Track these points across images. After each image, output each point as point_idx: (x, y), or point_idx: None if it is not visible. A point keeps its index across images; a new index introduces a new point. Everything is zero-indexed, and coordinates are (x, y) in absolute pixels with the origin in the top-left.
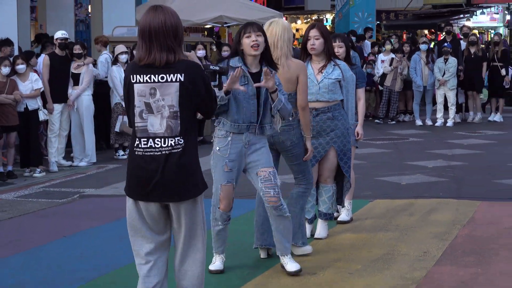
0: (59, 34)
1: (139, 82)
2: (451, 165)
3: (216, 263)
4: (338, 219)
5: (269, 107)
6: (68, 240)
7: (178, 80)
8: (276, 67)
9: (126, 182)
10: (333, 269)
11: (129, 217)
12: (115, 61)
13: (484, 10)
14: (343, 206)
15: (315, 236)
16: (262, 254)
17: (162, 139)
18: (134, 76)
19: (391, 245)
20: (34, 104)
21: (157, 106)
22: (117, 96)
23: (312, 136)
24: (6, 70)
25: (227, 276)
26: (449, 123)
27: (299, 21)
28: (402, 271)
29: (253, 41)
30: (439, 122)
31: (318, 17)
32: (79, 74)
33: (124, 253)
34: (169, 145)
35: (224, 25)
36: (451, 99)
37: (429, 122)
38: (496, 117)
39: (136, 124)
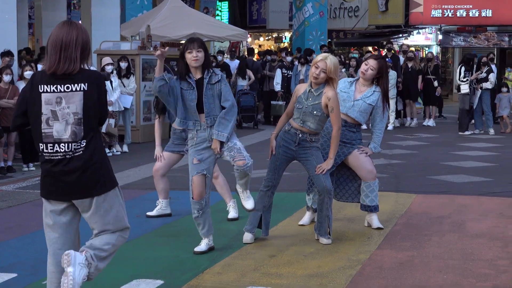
0: None
1: (46, 91)
2: (391, 163)
3: (201, 245)
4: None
5: (214, 104)
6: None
7: (82, 89)
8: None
9: (40, 185)
10: (290, 251)
11: (46, 217)
12: (101, 70)
13: (420, 31)
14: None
15: (375, 226)
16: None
17: (67, 144)
18: (42, 86)
19: (340, 231)
20: None
21: (62, 114)
22: None
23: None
24: (7, 77)
25: (198, 257)
26: (390, 127)
27: (261, 38)
28: (349, 253)
29: (194, 56)
30: None
31: (278, 34)
32: None
33: None
34: (72, 149)
35: None
36: (391, 107)
37: None
38: (430, 122)
39: (42, 130)
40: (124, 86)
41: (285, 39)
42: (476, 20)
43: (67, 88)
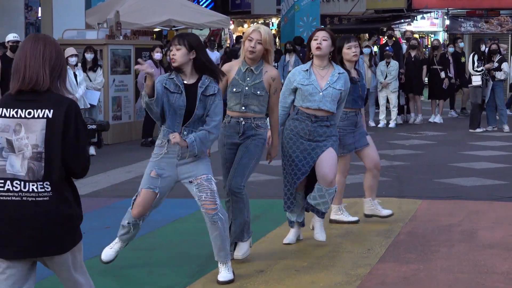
0: (10, 37)
1: (4, 116)
2: (393, 165)
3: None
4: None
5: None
6: None
7: (45, 116)
8: (218, 78)
9: None
10: (280, 266)
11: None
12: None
13: (424, 15)
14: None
15: (320, 239)
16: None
17: (22, 183)
18: (1, 109)
19: (336, 242)
20: None
21: (19, 145)
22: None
23: (308, 140)
24: None
25: (176, 273)
26: (392, 124)
27: (245, 25)
28: (346, 267)
29: (172, 54)
30: (381, 124)
31: (264, 21)
32: None
33: (86, 248)
34: (31, 190)
35: (173, 29)
36: (393, 101)
37: (372, 124)
38: (436, 119)
39: None
40: (90, 80)
41: (273, 25)
42: (488, 3)
43: (29, 114)
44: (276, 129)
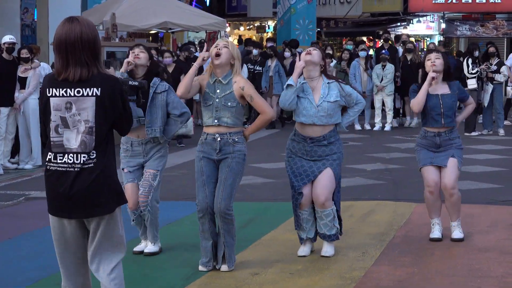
0: (6, 39)
1: (55, 95)
2: (389, 168)
3: (140, 245)
4: None
5: (156, 114)
6: (14, 241)
7: (94, 94)
8: (163, 77)
9: (46, 199)
10: (275, 269)
11: (53, 234)
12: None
13: (420, 19)
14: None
15: (323, 254)
16: None
17: (75, 155)
18: (51, 89)
19: None
20: None
21: (73, 121)
22: None
23: (307, 159)
24: None
25: (170, 276)
26: (387, 127)
27: (242, 28)
28: (341, 270)
29: (135, 54)
30: (377, 127)
31: (261, 23)
32: (26, 78)
33: None
34: (81, 161)
35: (169, 31)
36: (389, 105)
37: (367, 127)
38: None
39: (51, 139)
40: None
41: (269, 28)
42: (484, 7)
43: (78, 92)
44: (258, 126)
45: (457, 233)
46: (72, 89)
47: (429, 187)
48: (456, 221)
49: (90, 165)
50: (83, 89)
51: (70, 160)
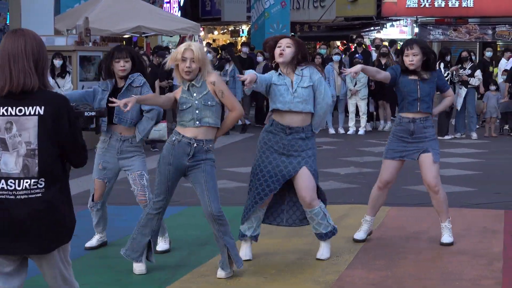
0: None
1: None
2: (362, 171)
3: (92, 241)
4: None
5: (126, 119)
6: None
7: (37, 113)
8: (146, 76)
9: None
10: (248, 273)
11: None
12: None
13: (394, 23)
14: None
15: (318, 257)
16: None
17: (17, 181)
18: None
19: (304, 250)
20: None
21: (13, 143)
22: None
23: (282, 154)
24: None
25: (144, 282)
26: (361, 131)
27: (215, 32)
28: (315, 275)
29: (121, 66)
30: (351, 131)
31: (235, 28)
32: None
33: None
34: (24, 187)
35: (143, 35)
36: (363, 108)
37: (341, 131)
38: None
39: None
40: (59, 87)
41: (243, 32)
42: (456, 11)
43: (19, 111)
44: (228, 126)
45: (446, 237)
46: (14, 108)
47: (380, 183)
48: (445, 221)
49: (38, 194)
50: (25, 108)
51: (11, 186)
